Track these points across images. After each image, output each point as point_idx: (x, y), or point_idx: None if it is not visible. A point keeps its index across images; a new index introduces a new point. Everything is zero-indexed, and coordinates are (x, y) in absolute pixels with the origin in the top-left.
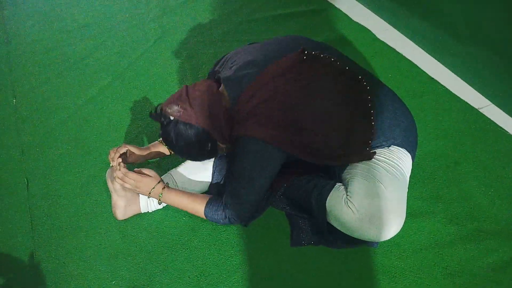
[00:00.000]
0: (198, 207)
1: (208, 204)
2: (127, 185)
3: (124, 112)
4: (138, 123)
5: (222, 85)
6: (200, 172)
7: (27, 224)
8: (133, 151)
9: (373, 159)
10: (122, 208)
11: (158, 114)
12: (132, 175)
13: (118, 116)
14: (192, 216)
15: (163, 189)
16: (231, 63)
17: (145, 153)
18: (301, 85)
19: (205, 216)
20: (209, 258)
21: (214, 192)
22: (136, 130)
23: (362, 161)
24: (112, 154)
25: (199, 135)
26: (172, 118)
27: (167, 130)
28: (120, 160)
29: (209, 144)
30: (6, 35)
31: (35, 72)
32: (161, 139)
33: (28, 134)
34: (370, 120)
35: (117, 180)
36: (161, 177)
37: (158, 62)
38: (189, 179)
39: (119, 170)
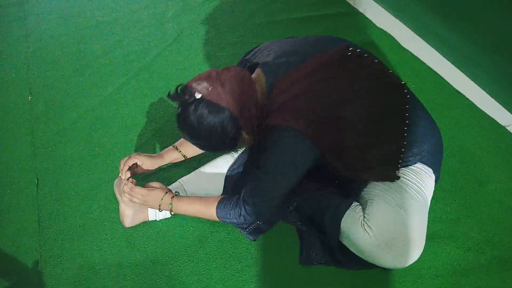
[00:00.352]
0: (210, 210)
1: (220, 203)
2: (135, 200)
3: (138, 113)
4: (152, 125)
5: (256, 71)
6: (212, 180)
7: (34, 225)
8: (144, 160)
9: (396, 180)
10: (129, 217)
11: (181, 92)
12: (139, 190)
13: (132, 117)
14: (199, 227)
15: (172, 198)
16: (268, 51)
17: (157, 160)
18: (344, 81)
19: (218, 217)
20: (215, 272)
21: (229, 187)
22: (149, 133)
23: (385, 181)
24: (121, 165)
25: (225, 120)
26: (198, 96)
27: (188, 111)
28: (128, 174)
29: (233, 132)
30: (26, 30)
31: (52, 68)
32: (176, 144)
33: (41, 132)
34: (403, 131)
35: (125, 195)
36: (171, 185)
37: (175, 63)
38: (200, 188)
39: (126, 185)
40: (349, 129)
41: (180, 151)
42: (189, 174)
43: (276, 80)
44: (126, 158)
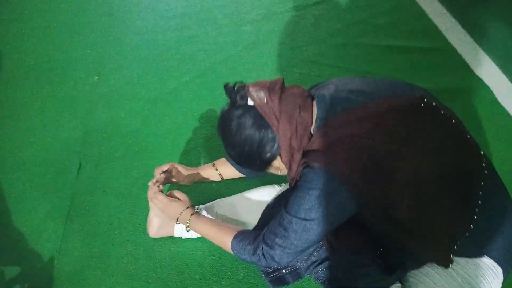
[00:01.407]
0: (225, 238)
1: (236, 236)
2: (156, 206)
3: (192, 116)
4: (203, 132)
5: (313, 103)
6: (247, 211)
7: (64, 211)
8: (179, 170)
9: (451, 271)
10: (155, 228)
11: (236, 90)
12: (161, 197)
13: (185, 119)
14: (221, 258)
15: (191, 215)
16: (331, 86)
17: (192, 174)
18: (408, 134)
19: (231, 249)
20: None
21: (262, 222)
22: (198, 139)
23: (434, 262)
24: (156, 171)
25: (265, 139)
26: (250, 102)
27: (233, 112)
28: (158, 177)
29: (269, 155)
30: (110, 7)
31: (122, 53)
32: (215, 162)
33: (96, 116)
34: (472, 210)
35: (148, 199)
36: (205, 204)
37: (242, 71)
38: (232, 218)
39: (151, 189)
40: (401, 189)
41: (218, 170)
42: (225, 198)
43: (329, 115)
44: (160, 166)
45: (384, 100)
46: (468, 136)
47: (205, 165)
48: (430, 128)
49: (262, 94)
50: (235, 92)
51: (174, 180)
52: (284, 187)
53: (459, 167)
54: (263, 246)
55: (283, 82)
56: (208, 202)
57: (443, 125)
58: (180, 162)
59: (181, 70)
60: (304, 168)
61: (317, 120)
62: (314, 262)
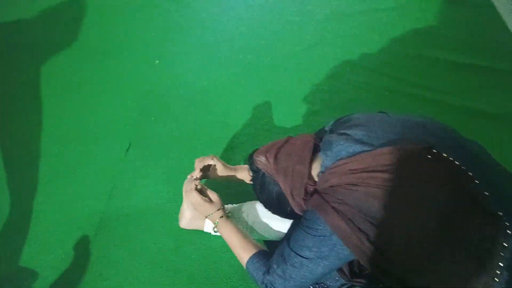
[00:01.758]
0: (244, 254)
1: (253, 256)
2: (189, 200)
3: (243, 110)
4: (249, 130)
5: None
6: (279, 220)
7: (106, 189)
8: (218, 167)
9: None
10: (187, 219)
11: (251, 159)
12: (195, 195)
13: (236, 112)
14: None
15: (220, 217)
16: (344, 127)
17: (230, 172)
18: (408, 189)
19: (246, 267)
20: None
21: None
22: (244, 136)
23: None
24: (196, 164)
25: (279, 194)
26: (258, 167)
27: (255, 177)
28: (196, 174)
29: (289, 208)
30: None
31: (185, 39)
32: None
33: (152, 99)
34: (491, 272)
35: (183, 191)
36: (242, 204)
37: (299, 71)
38: (264, 222)
39: (188, 183)
40: (399, 250)
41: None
42: (254, 202)
43: (333, 162)
44: (202, 158)
45: (388, 149)
46: (486, 196)
47: (241, 166)
48: (440, 183)
49: (262, 158)
50: (250, 161)
51: (211, 176)
52: None
53: (468, 233)
54: (268, 276)
55: (287, 141)
56: (237, 203)
57: (450, 179)
58: (226, 156)
59: (241, 61)
60: (308, 207)
61: (322, 166)
62: (343, 285)
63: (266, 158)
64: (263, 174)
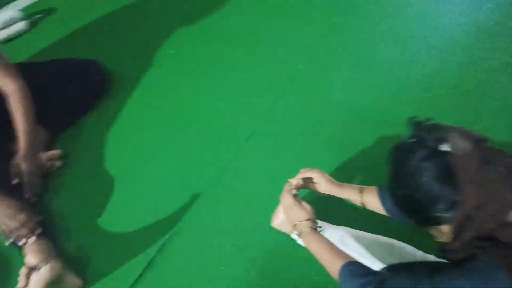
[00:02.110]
0: (336, 260)
1: (348, 264)
2: (282, 202)
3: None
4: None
5: None
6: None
7: (217, 172)
8: (321, 181)
9: None
10: (279, 220)
11: (430, 128)
12: (289, 198)
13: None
14: (324, 280)
15: (309, 227)
16: None
17: (334, 189)
18: None
19: (338, 274)
20: None
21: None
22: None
23: None
24: (301, 172)
25: (445, 197)
26: (444, 148)
27: (417, 151)
28: (297, 181)
29: (437, 215)
30: None
31: (334, 50)
32: (364, 187)
33: (291, 102)
34: None
35: (281, 195)
36: (330, 224)
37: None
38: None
39: (287, 188)
40: None
41: (363, 198)
42: (354, 229)
43: None
44: (308, 169)
45: None
46: None
47: (351, 185)
48: None
49: (467, 144)
50: (428, 130)
51: (312, 187)
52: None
53: None
54: (377, 286)
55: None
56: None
57: None
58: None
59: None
60: (478, 250)
61: None
62: None
63: (474, 150)
64: (429, 157)
